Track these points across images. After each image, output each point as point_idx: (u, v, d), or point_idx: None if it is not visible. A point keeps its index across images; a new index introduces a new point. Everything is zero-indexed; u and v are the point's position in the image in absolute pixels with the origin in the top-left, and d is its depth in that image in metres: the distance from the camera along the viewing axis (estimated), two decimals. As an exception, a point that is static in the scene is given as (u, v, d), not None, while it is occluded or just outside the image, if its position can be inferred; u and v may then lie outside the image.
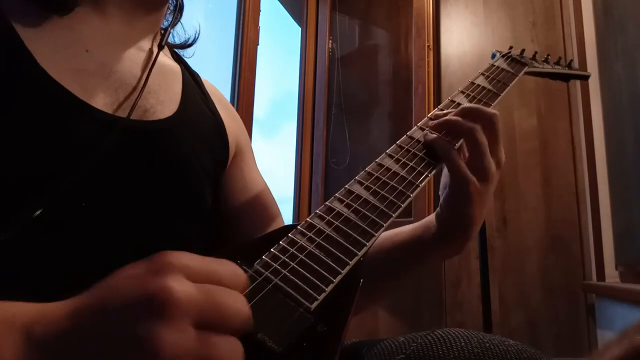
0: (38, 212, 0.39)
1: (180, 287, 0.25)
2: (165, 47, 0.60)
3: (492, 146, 0.52)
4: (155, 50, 0.54)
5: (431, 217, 0.57)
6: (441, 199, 0.54)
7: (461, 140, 0.52)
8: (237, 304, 0.28)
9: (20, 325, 0.27)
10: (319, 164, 2.28)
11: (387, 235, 0.59)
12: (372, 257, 0.56)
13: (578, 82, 1.83)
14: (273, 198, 0.66)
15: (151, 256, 0.27)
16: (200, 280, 0.27)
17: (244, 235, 0.60)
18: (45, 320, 0.27)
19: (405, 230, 0.58)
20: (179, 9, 0.61)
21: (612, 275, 1.63)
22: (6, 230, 0.38)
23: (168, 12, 0.60)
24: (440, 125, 0.53)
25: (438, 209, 0.55)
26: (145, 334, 0.24)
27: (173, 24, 0.61)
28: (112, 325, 0.25)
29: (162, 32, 0.59)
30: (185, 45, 0.64)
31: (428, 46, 2.10)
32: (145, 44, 0.55)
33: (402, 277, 0.59)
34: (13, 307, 0.28)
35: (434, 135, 0.52)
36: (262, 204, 0.63)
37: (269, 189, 0.66)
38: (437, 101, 2.05)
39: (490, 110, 0.53)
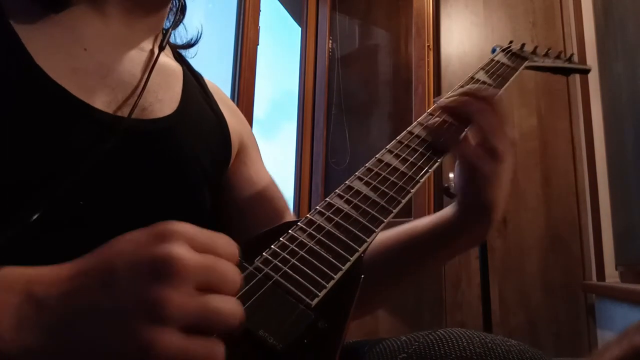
0: (36, 215, 0.38)
1: (185, 253, 0.26)
2: (168, 48, 0.60)
3: (499, 125, 0.52)
4: (156, 51, 0.54)
5: (448, 209, 0.56)
6: (457, 188, 0.54)
7: (466, 130, 0.52)
8: (232, 272, 0.29)
9: (21, 287, 0.27)
10: (319, 164, 2.28)
11: (401, 230, 0.58)
12: (385, 254, 0.56)
13: (578, 83, 1.83)
14: (280, 193, 0.66)
15: (153, 225, 0.28)
16: (200, 249, 0.28)
17: (251, 231, 0.59)
18: (46, 280, 0.27)
19: (421, 223, 0.58)
20: (181, 10, 0.61)
21: (612, 275, 1.63)
22: (6, 231, 0.37)
23: (170, 13, 0.59)
24: (445, 108, 0.53)
25: (456, 197, 0.55)
26: (153, 296, 0.25)
27: (175, 25, 0.60)
28: (120, 287, 0.25)
29: (164, 33, 0.59)
30: (188, 45, 0.64)
31: (428, 46, 2.10)
32: (146, 45, 0.54)
33: (418, 272, 0.59)
34: (12, 270, 0.28)
35: (438, 120, 0.53)
36: (268, 199, 0.63)
37: (276, 184, 0.66)
38: (437, 101, 2.04)
39: (489, 91, 0.54)
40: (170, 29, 0.59)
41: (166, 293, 0.25)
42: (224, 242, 0.30)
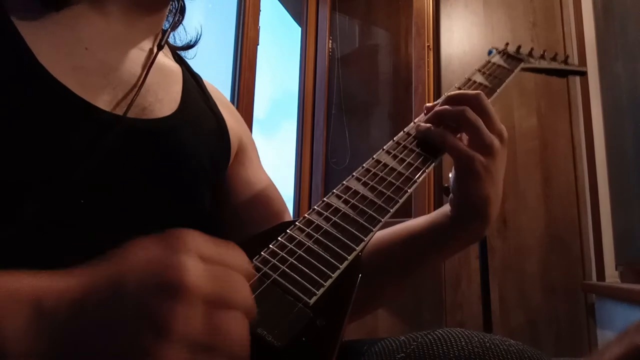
0: (36, 209, 0.38)
1: (196, 268, 0.26)
2: (167, 49, 0.60)
3: (488, 121, 0.52)
4: (155, 50, 0.54)
5: (445, 207, 0.57)
6: (451, 186, 0.55)
7: (459, 134, 0.53)
8: (244, 289, 0.28)
9: (29, 297, 0.26)
10: (319, 164, 2.28)
11: (401, 227, 0.59)
12: (386, 250, 0.56)
13: (578, 82, 1.83)
14: (279, 194, 0.66)
15: (166, 233, 0.28)
16: (210, 262, 0.27)
17: (249, 232, 0.59)
18: (54, 292, 0.27)
19: (420, 221, 0.58)
20: (180, 11, 0.61)
21: (612, 275, 1.63)
22: (5, 229, 0.38)
23: (170, 15, 0.60)
24: (431, 119, 0.54)
25: (451, 195, 0.55)
26: (162, 312, 0.24)
27: (174, 26, 0.61)
28: (127, 304, 0.25)
29: (163, 33, 0.59)
30: (187, 47, 0.64)
31: (428, 46, 2.10)
32: (146, 44, 0.55)
33: (419, 269, 0.59)
34: (20, 278, 0.28)
35: (426, 126, 0.53)
36: (266, 199, 0.63)
37: (274, 185, 0.66)
38: (437, 101, 2.04)
39: (473, 91, 0.54)
40: (169, 30, 0.59)
41: (173, 309, 0.24)
42: (235, 254, 0.30)
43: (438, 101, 0.56)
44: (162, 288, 0.25)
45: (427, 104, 0.57)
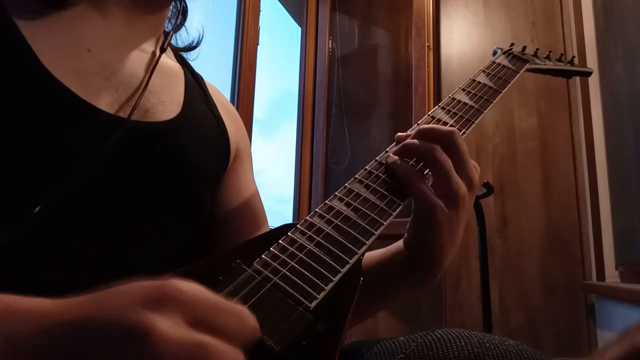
0: (36, 209, 0.38)
1: (168, 329, 0.23)
2: (170, 50, 0.60)
3: (458, 166, 0.46)
4: (158, 52, 0.54)
5: (400, 243, 0.53)
6: (407, 227, 0.50)
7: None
8: (228, 358, 0.24)
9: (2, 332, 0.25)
10: (319, 164, 2.28)
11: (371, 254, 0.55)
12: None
13: (578, 82, 1.83)
14: (262, 206, 0.65)
15: (162, 279, 0.26)
16: (199, 325, 0.24)
17: (230, 240, 0.59)
18: (21, 315, 0.26)
19: (376, 253, 0.55)
20: (182, 13, 0.61)
21: (612, 275, 1.63)
22: (6, 229, 0.38)
23: (171, 16, 0.59)
24: (400, 151, 0.48)
25: (405, 234, 0.51)
26: None
27: (177, 28, 0.60)
28: (87, 345, 0.24)
29: (165, 34, 0.59)
30: (189, 48, 0.64)
31: (428, 46, 2.10)
32: (148, 45, 0.54)
33: (377, 307, 0.58)
34: None
35: (395, 158, 0.48)
36: (251, 211, 0.62)
37: (259, 197, 0.66)
38: (437, 101, 2.04)
39: (447, 128, 0.48)
40: (171, 32, 0.59)
41: None
42: (235, 319, 0.26)
43: (409, 132, 0.50)
44: (125, 341, 0.23)
45: (399, 134, 0.51)
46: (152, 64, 0.52)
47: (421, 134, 0.48)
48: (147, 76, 0.50)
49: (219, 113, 0.60)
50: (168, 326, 0.23)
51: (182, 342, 0.23)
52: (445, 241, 0.47)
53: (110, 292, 0.26)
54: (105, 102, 0.46)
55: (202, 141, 0.54)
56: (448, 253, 0.48)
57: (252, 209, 0.63)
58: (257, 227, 0.62)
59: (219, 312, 0.25)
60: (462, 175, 0.46)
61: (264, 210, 0.66)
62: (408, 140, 0.48)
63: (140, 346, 0.22)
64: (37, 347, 0.25)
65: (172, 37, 0.59)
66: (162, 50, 0.54)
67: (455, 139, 0.46)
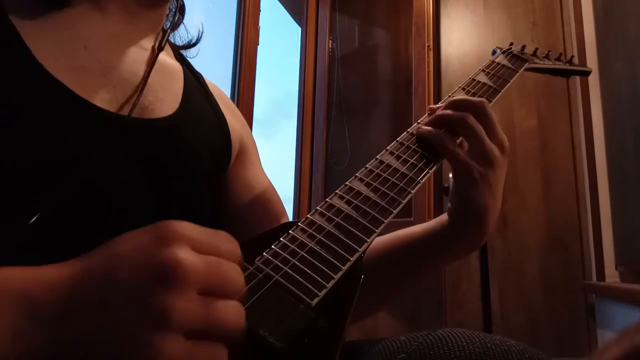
0: (35, 217, 0.38)
1: (188, 258, 0.26)
2: (168, 48, 0.60)
3: (489, 130, 0.51)
4: (156, 49, 0.54)
5: (444, 215, 0.56)
6: (450, 194, 0.54)
7: (460, 138, 0.52)
8: (235, 274, 0.29)
9: (18, 291, 0.26)
10: (319, 164, 2.28)
11: (401, 233, 0.59)
12: (386, 255, 0.56)
13: (578, 82, 1.83)
14: (278, 197, 0.66)
15: (155, 224, 0.28)
16: (202, 251, 0.28)
17: (247, 234, 0.59)
18: (45, 285, 0.26)
19: (419, 228, 0.58)
20: (180, 10, 0.61)
21: (612, 275, 1.63)
22: (5, 227, 0.37)
23: (170, 14, 0.59)
24: (433, 121, 0.53)
25: (449, 204, 0.55)
26: (157, 303, 0.24)
27: (175, 26, 0.60)
28: (123, 293, 0.25)
29: (164, 32, 0.59)
30: (188, 46, 0.64)
31: (428, 46, 2.10)
32: (146, 43, 0.54)
33: (419, 276, 0.59)
34: (10, 272, 0.27)
35: (427, 129, 0.52)
36: (266, 202, 0.63)
37: (273, 188, 0.66)
38: (437, 101, 2.04)
39: (477, 98, 0.53)
40: (169, 29, 0.59)
41: (170, 299, 0.25)
42: (226, 241, 0.30)
43: (441, 103, 0.56)
44: (157, 279, 0.25)
45: (431, 105, 0.56)
46: (151, 62, 0.52)
47: (454, 104, 0.52)
48: (146, 73, 0.50)
49: (219, 109, 0.60)
50: (188, 255, 0.26)
51: (204, 265, 0.26)
52: (488, 200, 0.51)
53: (117, 244, 0.28)
54: (103, 100, 0.45)
55: (201, 137, 0.54)
56: (491, 211, 0.52)
57: (266, 200, 0.63)
58: (274, 218, 0.63)
59: (211, 236, 0.29)
60: (494, 139, 0.51)
61: (280, 201, 0.66)
62: (440, 111, 0.53)
63: (174, 278, 0.25)
64: (63, 303, 0.25)
65: (169, 34, 0.59)
66: (160, 48, 0.54)
67: (485, 107, 0.51)
